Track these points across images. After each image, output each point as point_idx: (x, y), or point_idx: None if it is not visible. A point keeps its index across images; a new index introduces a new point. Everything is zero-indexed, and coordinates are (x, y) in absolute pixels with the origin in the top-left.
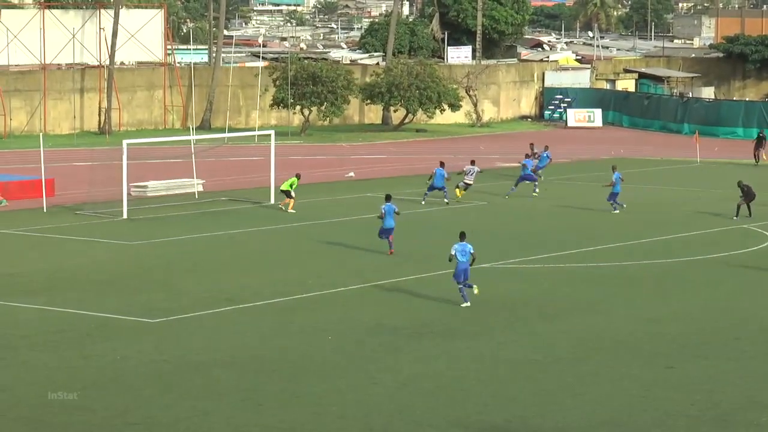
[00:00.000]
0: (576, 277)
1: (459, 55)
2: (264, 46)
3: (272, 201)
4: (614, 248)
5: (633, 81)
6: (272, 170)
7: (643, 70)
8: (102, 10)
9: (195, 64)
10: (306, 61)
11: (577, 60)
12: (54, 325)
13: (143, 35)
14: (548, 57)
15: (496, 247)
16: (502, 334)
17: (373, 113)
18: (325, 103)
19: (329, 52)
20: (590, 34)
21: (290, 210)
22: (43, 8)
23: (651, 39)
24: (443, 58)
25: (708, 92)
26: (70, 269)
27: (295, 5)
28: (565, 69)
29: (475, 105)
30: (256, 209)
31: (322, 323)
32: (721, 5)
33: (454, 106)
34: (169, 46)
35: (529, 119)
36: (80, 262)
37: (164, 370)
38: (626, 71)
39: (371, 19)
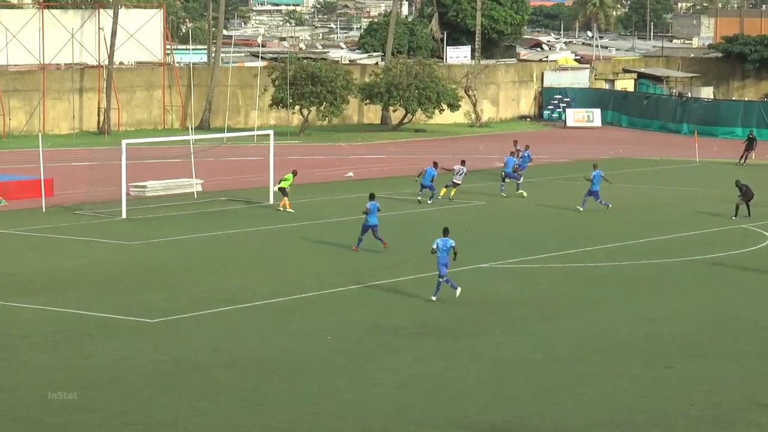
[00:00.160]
0: (575, 277)
1: (458, 55)
2: (263, 46)
3: (271, 201)
4: (613, 248)
5: (632, 81)
6: (271, 170)
7: (642, 70)
8: (101, 10)
9: (194, 64)
10: (305, 61)
11: (576, 60)
12: (53, 325)
13: (142, 35)
14: (547, 57)
15: (495, 246)
16: (501, 334)
17: (372, 113)
18: (324, 103)
19: (328, 52)
20: (589, 34)
21: (288, 209)
22: (42, 8)
23: (650, 39)
24: (442, 58)
25: (707, 92)
26: (70, 269)
27: (294, 5)
28: (564, 69)
29: (474, 105)
30: (254, 209)
31: (321, 323)
32: (720, 5)
33: (453, 106)
34: (168, 46)
35: (528, 119)
36: (79, 262)
37: (163, 370)
38: (625, 71)
39: (370, 19)
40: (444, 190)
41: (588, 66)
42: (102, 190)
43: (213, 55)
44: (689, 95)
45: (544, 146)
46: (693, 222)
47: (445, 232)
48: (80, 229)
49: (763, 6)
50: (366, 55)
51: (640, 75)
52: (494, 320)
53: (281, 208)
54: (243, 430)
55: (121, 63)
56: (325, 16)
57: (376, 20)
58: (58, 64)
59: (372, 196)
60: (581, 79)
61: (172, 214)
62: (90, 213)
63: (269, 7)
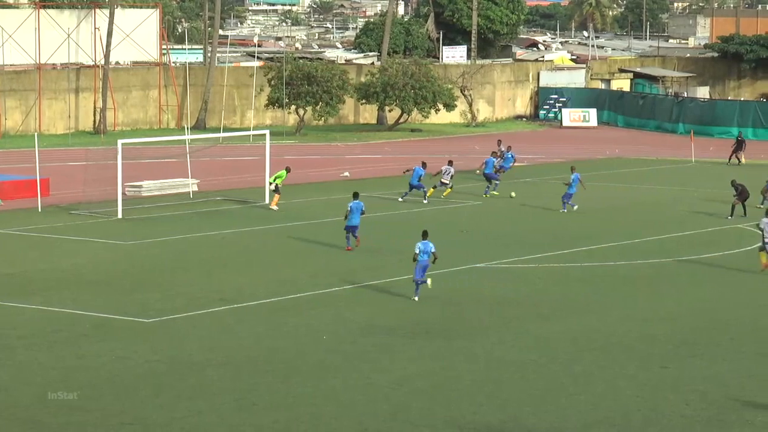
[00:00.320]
0: (570, 277)
1: (454, 54)
2: (259, 45)
3: (267, 201)
4: (609, 248)
5: (628, 81)
6: (267, 170)
7: (638, 69)
8: (97, 10)
9: (190, 63)
10: (301, 60)
11: (572, 60)
12: (50, 325)
13: (138, 35)
14: (543, 57)
15: (490, 246)
16: (496, 334)
17: (368, 113)
18: (320, 103)
19: (324, 51)
20: (585, 33)
21: (274, 206)
22: (38, 8)
23: (646, 39)
24: (438, 58)
25: (703, 92)
26: (65, 269)
27: (290, 5)
28: (561, 69)
29: (470, 105)
30: (250, 209)
31: (316, 323)
32: (716, 5)
33: (449, 106)
34: (164, 46)
35: (524, 119)
36: (75, 261)
37: (159, 370)
38: (621, 71)
39: (366, 19)
40: (431, 190)
41: (584, 66)
42: (98, 190)
43: (209, 54)
44: (685, 95)
45: (539, 146)
46: (689, 222)
47: (425, 235)
48: (76, 229)
49: (759, 6)
50: (362, 54)
51: (636, 75)
52: (489, 320)
53: (275, 206)
54: (238, 430)
55: (117, 63)
56: (321, 16)
57: (372, 20)
58: (54, 64)
59: (356, 195)
60: (577, 78)
61: (167, 214)
62: (86, 213)
63: (265, 7)
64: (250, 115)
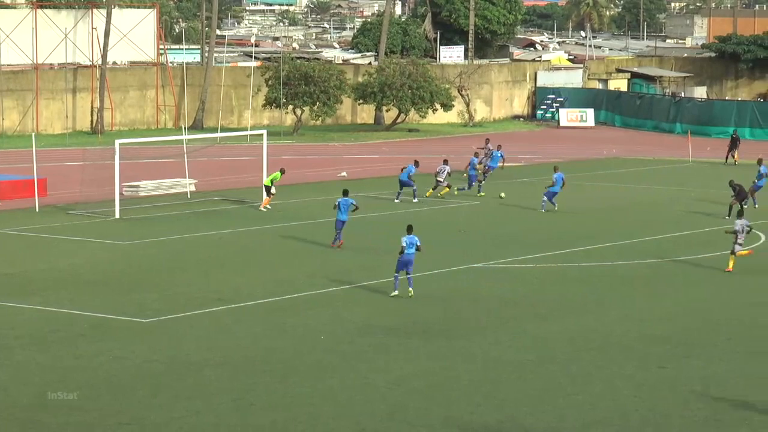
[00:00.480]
0: (568, 277)
1: (451, 54)
2: (256, 45)
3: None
4: (606, 248)
5: (625, 81)
6: (264, 170)
7: (635, 69)
8: (94, 10)
9: (187, 63)
10: (298, 60)
11: (569, 60)
12: (48, 325)
13: (135, 35)
14: (541, 57)
15: (487, 246)
16: (493, 333)
17: (366, 113)
18: (318, 103)
19: (321, 51)
20: (583, 33)
21: (263, 208)
22: (35, 8)
23: (643, 39)
24: (435, 58)
25: (700, 92)
26: (63, 269)
27: (287, 5)
28: (558, 69)
29: (468, 105)
30: (247, 209)
31: (314, 323)
32: (713, 5)
33: (447, 106)
34: (161, 46)
35: (522, 119)
36: (73, 261)
37: (157, 370)
38: (618, 71)
39: (363, 19)
40: (430, 191)
41: (581, 66)
42: (95, 190)
43: (206, 54)
44: (682, 95)
45: (537, 146)
46: (686, 222)
47: (409, 229)
48: (73, 229)
49: (757, 6)
50: (359, 54)
51: (634, 75)
52: (487, 320)
53: (265, 208)
54: (236, 430)
55: (114, 63)
56: (319, 16)
57: (369, 20)
58: (51, 64)
59: (345, 192)
60: (574, 78)
61: (165, 214)
62: (83, 213)
63: (262, 7)
64: (248, 115)
